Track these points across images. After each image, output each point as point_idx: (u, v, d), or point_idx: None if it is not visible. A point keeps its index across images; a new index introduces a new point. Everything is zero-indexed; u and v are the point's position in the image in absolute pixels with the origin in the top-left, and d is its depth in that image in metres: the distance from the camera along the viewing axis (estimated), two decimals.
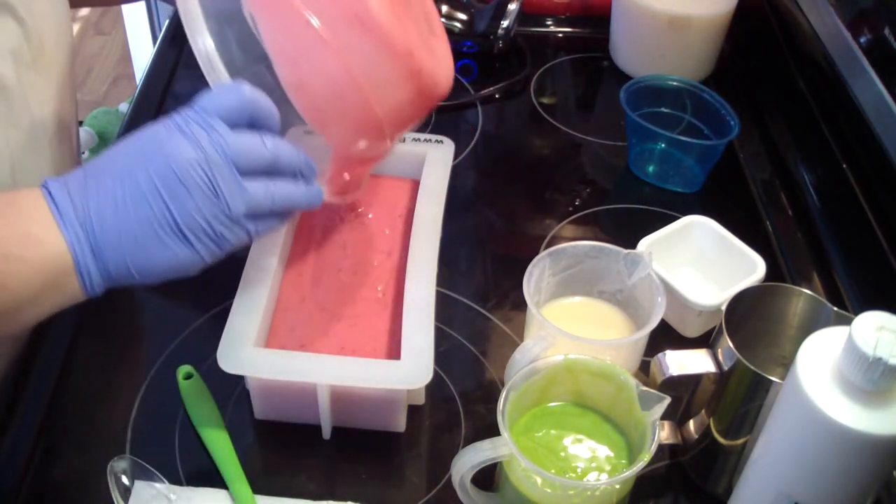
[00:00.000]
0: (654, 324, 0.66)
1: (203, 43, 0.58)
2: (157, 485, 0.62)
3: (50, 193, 0.53)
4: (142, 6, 2.23)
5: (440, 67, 0.63)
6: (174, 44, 1.10)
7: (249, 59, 0.59)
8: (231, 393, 0.70)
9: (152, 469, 0.63)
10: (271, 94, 0.56)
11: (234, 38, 0.59)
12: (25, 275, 0.51)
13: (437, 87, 0.62)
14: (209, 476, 0.64)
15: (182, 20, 0.57)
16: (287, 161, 0.56)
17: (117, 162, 0.54)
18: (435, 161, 0.79)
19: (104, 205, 0.52)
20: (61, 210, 0.52)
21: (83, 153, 2.30)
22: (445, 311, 0.76)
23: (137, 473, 0.62)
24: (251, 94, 0.55)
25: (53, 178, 0.54)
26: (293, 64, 0.57)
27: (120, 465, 0.62)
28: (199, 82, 0.98)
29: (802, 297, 0.62)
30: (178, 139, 0.52)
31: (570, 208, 0.89)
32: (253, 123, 0.55)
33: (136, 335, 0.76)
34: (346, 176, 0.65)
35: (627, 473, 0.56)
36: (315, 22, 0.55)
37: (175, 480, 0.64)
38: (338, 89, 0.57)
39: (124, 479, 0.62)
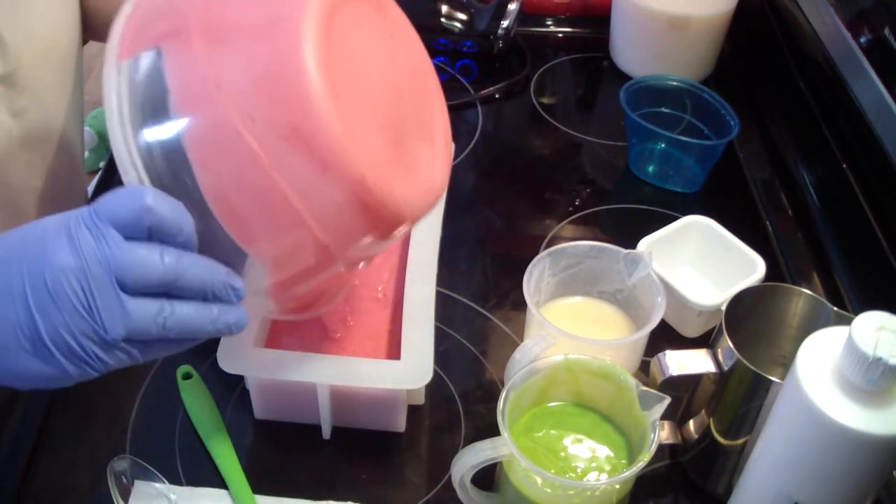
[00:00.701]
0: (654, 324, 0.66)
1: (120, 138, 0.49)
2: (157, 485, 0.62)
3: None
4: None
5: (408, 188, 0.53)
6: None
7: (171, 160, 0.49)
8: (231, 393, 0.70)
9: (152, 469, 0.63)
10: (192, 201, 0.48)
11: (158, 141, 0.49)
12: None
13: (396, 211, 0.52)
14: (209, 476, 0.64)
15: (105, 110, 0.49)
16: (192, 281, 0.48)
17: (1, 249, 0.47)
18: None
19: None
20: None
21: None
22: (445, 311, 0.76)
23: (137, 473, 0.62)
24: (153, 202, 0.46)
25: None
26: (215, 174, 0.48)
27: (120, 465, 0.62)
28: None
29: (802, 297, 0.62)
30: (61, 242, 0.45)
31: (570, 208, 0.89)
32: (157, 236, 0.47)
33: None
34: (295, 294, 0.57)
35: (627, 473, 0.56)
36: (245, 130, 0.47)
37: (175, 480, 0.64)
38: (269, 208, 0.49)
39: (124, 480, 0.62)
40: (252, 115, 0.47)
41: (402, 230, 0.55)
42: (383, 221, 0.52)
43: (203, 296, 0.48)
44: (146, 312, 0.46)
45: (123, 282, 0.46)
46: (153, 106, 0.49)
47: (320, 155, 0.47)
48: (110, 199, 0.47)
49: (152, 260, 0.46)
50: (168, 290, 0.47)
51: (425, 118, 0.58)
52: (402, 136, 0.54)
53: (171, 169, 0.49)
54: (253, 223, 0.50)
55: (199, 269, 0.48)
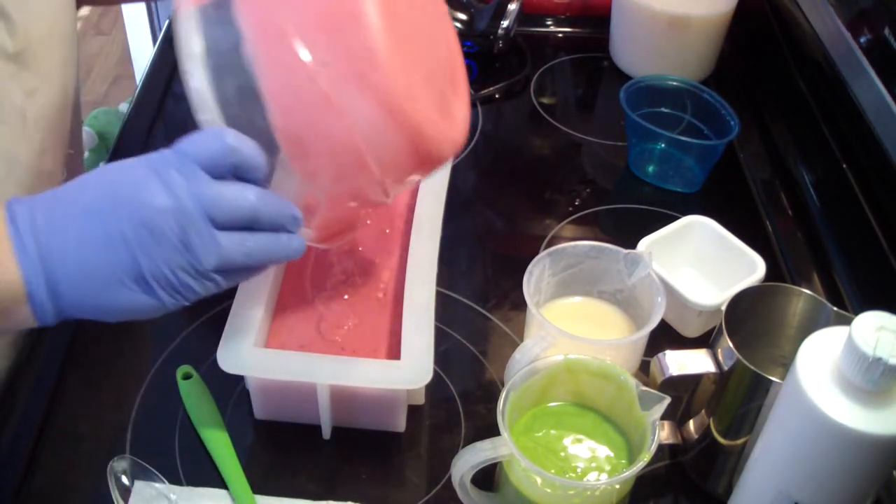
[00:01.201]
0: (654, 324, 0.66)
1: (198, 79, 0.53)
2: (157, 485, 0.62)
3: (13, 218, 0.50)
4: (142, 6, 2.23)
5: (449, 134, 0.59)
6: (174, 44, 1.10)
7: (245, 101, 0.53)
8: (231, 393, 0.70)
9: (152, 469, 0.63)
10: (262, 139, 0.53)
11: (233, 83, 0.53)
12: None
13: (442, 154, 0.58)
14: (209, 476, 0.64)
15: (178, 56, 0.53)
16: (269, 215, 0.52)
17: (89, 196, 0.50)
18: None
19: (69, 240, 0.49)
20: (23, 239, 0.49)
21: (84, 153, 2.30)
22: (445, 311, 0.76)
23: (137, 473, 0.62)
24: (236, 142, 0.51)
25: (21, 201, 0.50)
26: (288, 115, 0.53)
27: (120, 465, 0.62)
28: None
29: (802, 297, 0.62)
30: (154, 185, 0.49)
31: (570, 208, 0.89)
32: (237, 173, 0.51)
33: (136, 335, 0.76)
34: (332, 224, 0.62)
35: (627, 473, 0.56)
36: (317, 76, 0.51)
37: (175, 480, 0.64)
38: (335, 148, 0.54)
39: (124, 479, 0.62)
40: (325, 60, 0.51)
41: (442, 164, 0.61)
42: (431, 163, 0.59)
43: (275, 227, 0.53)
44: (234, 245, 0.51)
45: (214, 218, 0.50)
46: (227, 50, 0.53)
47: (386, 105, 0.53)
48: (195, 140, 0.51)
49: (239, 197, 0.51)
50: (250, 224, 0.52)
51: (454, 63, 0.64)
52: (441, 83, 0.60)
53: (245, 110, 0.53)
54: (318, 161, 0.55)
55: (274, 203, 0.52)
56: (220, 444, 0.65)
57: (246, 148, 0.51)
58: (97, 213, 0.49)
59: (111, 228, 0.49)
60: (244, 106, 0.53)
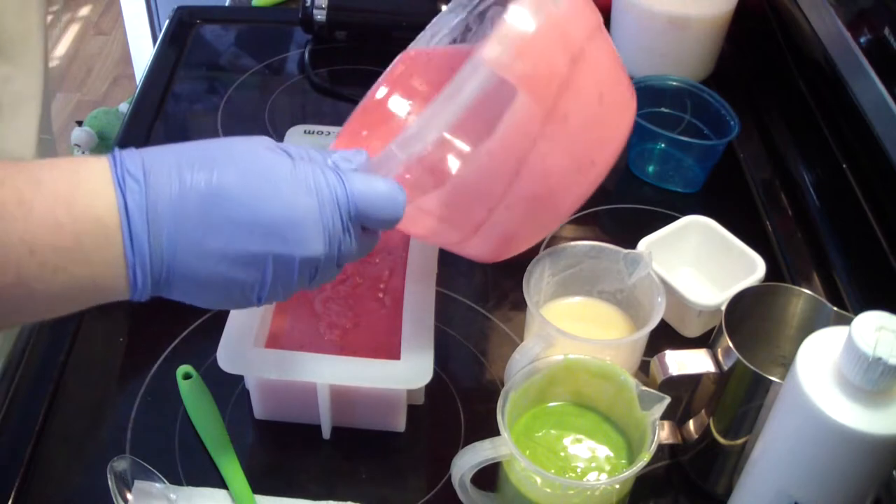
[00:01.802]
0: (654, 324, 0.66)
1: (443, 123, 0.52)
2: (157, 485, 0.62)
3: (126, 210, 0.45)
4: (142, 6, 2.23)
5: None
6: (174, 44, 1.10)
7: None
8: (231, 393, 0.70)
9: (152, 469, 0.63)
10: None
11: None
12: (62, 287, 0.45)
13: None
14: (209, 476, 0.64)
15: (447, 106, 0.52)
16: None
17: (237, 219, 0.47)
18: None
19: (197, 255, 0.47)
20: (135, 239, 0.45)
21: (83, 153, 2.30)
22: (445, 311, 0.76)
23: (137, 473, 0.62)
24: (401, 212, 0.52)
25: (136, 180, 0.46)
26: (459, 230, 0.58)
27: (120, 464, 0.62)
28: (199, 83, 0.98)
29: (802, 297, 0.62)
30: (318, 234, 0.48)
31: None
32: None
33: (136, 335, 0.76)
34: None
35: (627, 473, 0.56)
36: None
37: (175, 480, 0.64)
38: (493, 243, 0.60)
39: (124, 479, 0.61)
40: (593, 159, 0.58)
41: None
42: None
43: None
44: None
45: (342, 258, 0.51)
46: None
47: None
48: (374, 191, 0.50)
49: (366, 248, 0.54)
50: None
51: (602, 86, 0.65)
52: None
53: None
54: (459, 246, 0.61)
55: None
56: (219, 445, 0.65)
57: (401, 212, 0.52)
58: (242, 241, 0.47)
59: (253, 257, 0.48)
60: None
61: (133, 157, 0.46)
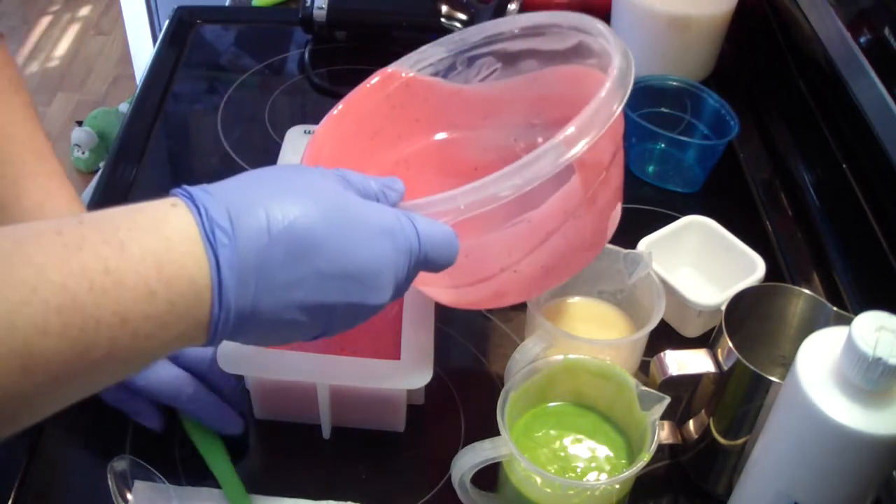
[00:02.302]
0: (654, 324, 0.66)
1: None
2: (157, 485, 0.62)
3: (219, 269, 0.43)
4: (142, 6, 2.23)
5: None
6: (174, 44, 1.10)
7: None
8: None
9: (152, 469, 0.63)
10: None
11: None
12: (151, 351, 0.43)
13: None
14: (209, 476, 0.64)
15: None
16: None
17: (323, 270, 0.46)
18: None
19: (280, 306, 0.45)
20: (223, 295, 0.43)
21: (83, 153, 2.30)
22: (445, 311, 0.76)
23: (137, 473, 0.62)
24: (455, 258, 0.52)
25: (226, 233, 0.43)
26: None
27: (120, 464, 0.62)
28: (199, 83, 0.98)
29: (802, 297, 0.62)
30: (391, 280, 0.48)
31: None
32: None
33: None
34: None
35: (627, 473, 0.56)
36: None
37: (175, 480, 0.64)
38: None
39: (124, 480, 0.61)
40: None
41: None
42: None
43: None
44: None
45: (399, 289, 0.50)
46: None
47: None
48: (436, 247, 0.50)
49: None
50: None
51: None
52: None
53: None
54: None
55: None
56: (211, 447, 0.65)
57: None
58: (323, 290, 0.46)
59: (333, 303, 0.47)
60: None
61: (217, 206, 0.44)
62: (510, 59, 0.71)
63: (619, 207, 0.65)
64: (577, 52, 0.66)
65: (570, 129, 0.53)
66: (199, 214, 0.43)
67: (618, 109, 0.55)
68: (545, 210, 0.57)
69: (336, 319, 0.48)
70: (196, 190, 0.45)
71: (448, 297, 0.65)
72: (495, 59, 0.71)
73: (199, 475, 0.64)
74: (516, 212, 0.57)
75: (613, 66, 0.57)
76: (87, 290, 0.39)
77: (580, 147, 0.53)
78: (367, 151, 0.69)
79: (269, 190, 0.46)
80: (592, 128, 0.54)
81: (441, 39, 0.71)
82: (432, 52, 0.71)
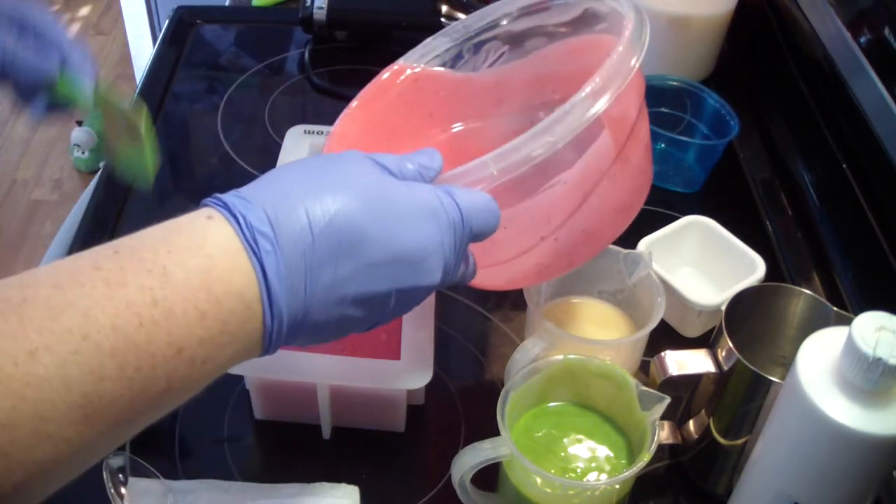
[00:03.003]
0: (654, 324, 0.66)
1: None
2: (152, 480, 0.62)
3: (265, 276, 0.42)
4: (142, 6, 2.23)
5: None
6: (174, 44, 1.10)
7: None
8: (231, 393, 0.70)
9: (147, 465, 0.62)
10: None
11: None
12: (208, 375, 0.42)
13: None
14: (207, 472, 0.64)
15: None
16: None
17: (371, 258, 0.45)
18: None
19: (331, 302, 0.44)
20: (273, 304, 0.42)
21: (83, 153, 2.30)
22: (445, 311, 0.76)
23: (133, 470, 0.62)
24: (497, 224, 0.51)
25: (268, 240, 0.42)
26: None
27: (116, 461, 0.62)
28: (199, 83, 0.98)
29: (802, 297, 0.62)
30: (439, 260, 0.47)
31: None
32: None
33: None
34: None
35: (627, 473, 0.56)
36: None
37: (173, 477, 0.63)
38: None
39: (120, 476, 0.61)
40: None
41: None
42: None
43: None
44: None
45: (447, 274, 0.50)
46: None
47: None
48: (478, 216, 0.50)
49: (467, 268, 0.53)
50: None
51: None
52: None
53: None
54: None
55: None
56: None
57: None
58: (372, 279, 0.45)
59: (379, 296, 0.46)
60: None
61: (255, 212, 0.42)
62: (517, 40, 0.69)
63: (650, 168, 0.64)
64: (585, 21, 0.65)
65: (595, 82, 0.52)
66: (238, 224, 0.42)
67: (637, 62, 0.55)
68: (579, 169, 0.56)
69: (390, 307, 0.47)
70: (230, 197, 0.43)
71: (491, 278, 0.62)
72: (501, 42, 0.70)
73: (199, 475, 0.64)
74: (550, 174, 0.55)
75: (629, 20, 0.56)
76: (136, 326, 0.38)
77: (607, 99, 0.52)
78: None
79: (305, 186, 0.44)
80: (616, 79, 0.53)
81: (444, 30, 0.70)
82: (437, 44, 0.70)
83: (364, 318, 0.47)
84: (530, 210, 0.57)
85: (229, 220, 0.42)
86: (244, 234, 0.42)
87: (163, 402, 0.40)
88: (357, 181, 0.45)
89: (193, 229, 0.42)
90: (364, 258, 0.44)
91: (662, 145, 0.91)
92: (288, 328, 0.43)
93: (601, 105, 0.52)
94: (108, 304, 0.38)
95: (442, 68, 0.70)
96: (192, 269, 0.40)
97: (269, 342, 0.43)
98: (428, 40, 0.70)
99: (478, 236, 0.50)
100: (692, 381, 0.64)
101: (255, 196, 0.43)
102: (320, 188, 0.44)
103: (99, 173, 0.96)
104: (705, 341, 0.63)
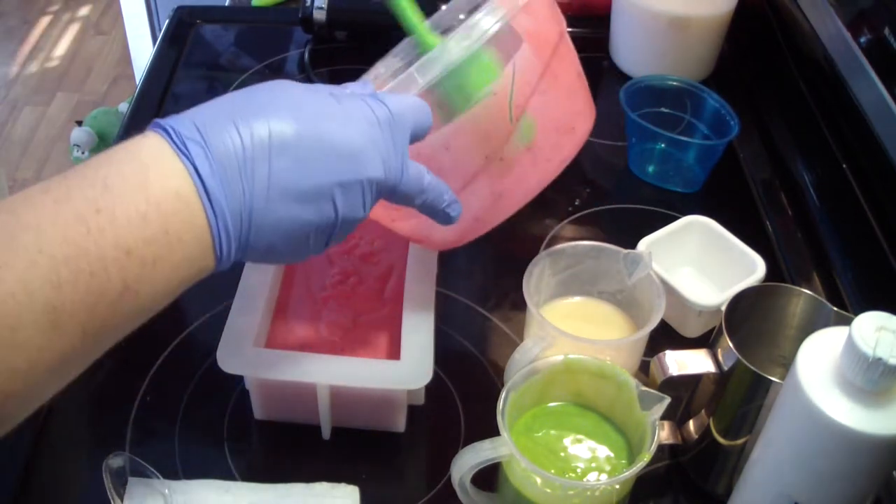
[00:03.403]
0: (654, 324, 0.66)
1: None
2: (152, 480, 0.62)
3: (198, 172, 0.45)
4: (142, 6, 2.23)
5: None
6: (174, 44, 1.10)
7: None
8: (231, 393, 0.70)
9: (147, 465, 0.62)
10: None
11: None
12: (163, 278, 0.45)
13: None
14: (206, 472, 0.64)
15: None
16: (435, 189, 0.56)
17: (301, 150, 0.48)
18: None
19: (273, 197, 0.47)
20: (213, 200, 0.45)
21: (83, 153, 2.30)
22: (445, 311, 0.76)
23: (133, 470, 0.62)
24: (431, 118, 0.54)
25: (196, 143, 0.46)
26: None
27: (116, 461, 0.62)
28: (199, 83, 0.98)
29: (802, 297, 0.62)
30: (376, 154, 0.50)
31: (570, 208, 0.89)
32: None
33: (136, 335, 0.75)
34: None
35: (627, 473, 0.56)
36: None
37: (173, 477, 0.63)
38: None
39: (120, 476, 0.61)
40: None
41: None
42: None
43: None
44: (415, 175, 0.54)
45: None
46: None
47: None
48: (411, 114, 0.53)
49: (423, 174, 0.54)
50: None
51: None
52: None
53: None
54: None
55: (441, 185, 0.56)
56: None
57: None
58: (310, 174, 0.48)
59: (324, 190, 0.48)
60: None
61: (184, 123, 0.46)
62: None
63: (589, 98, 0.67)
64: None
65: None
66: (169, 134, 0.46)
67: None
68: (506, 80, 0.58)
69: (338, 205, 0.49)
70: (162, 119, 0.47)
71: (452, 229, 0.64)
72: None
73: (199, 475, 0.64)
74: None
75: None
76: (84, 234, 0.41)
77: (516, 6, 0.55)
78: None
79: (233, 103, 0.48)
80: None
81: (394, 50, 0.72)
82: (389, 64, 0.72)
83: (315, 221, 0.49)
84: (467, 126, 0.59)
85: (160, 133, 0.46)
86: (174, 141, 0.45)
87: (127, 307, 0.44)
88: (288, 90, 0.50)
89: (129, 145, 0.46)
90: (295, 153, 0.47)
91: (662, 145, 0.91)
92: (234, 229, 0.46)
93: (511, 10, 0.55)
94: (58, 219, 0.41)
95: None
96: (128, 176, 0.44)
97: (220, 244, 0.46)
98: (377, 64, 0.72)
99: (416, 134, 0.53)
100: (692, 381, 0.64)
101: (186, 115, 0.47)
102: (247, 101, 0.48)
103: None
104: (705, 341, 0.63)
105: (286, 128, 0.47)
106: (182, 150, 0.45)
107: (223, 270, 0.49)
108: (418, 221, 0.61)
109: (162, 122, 0.47)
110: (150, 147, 0.45)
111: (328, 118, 0.49)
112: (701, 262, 0.79)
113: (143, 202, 0.43)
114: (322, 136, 0.48)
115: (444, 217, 0.57)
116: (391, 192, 0.53)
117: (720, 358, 0.60)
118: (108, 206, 0.42)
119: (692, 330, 0.75)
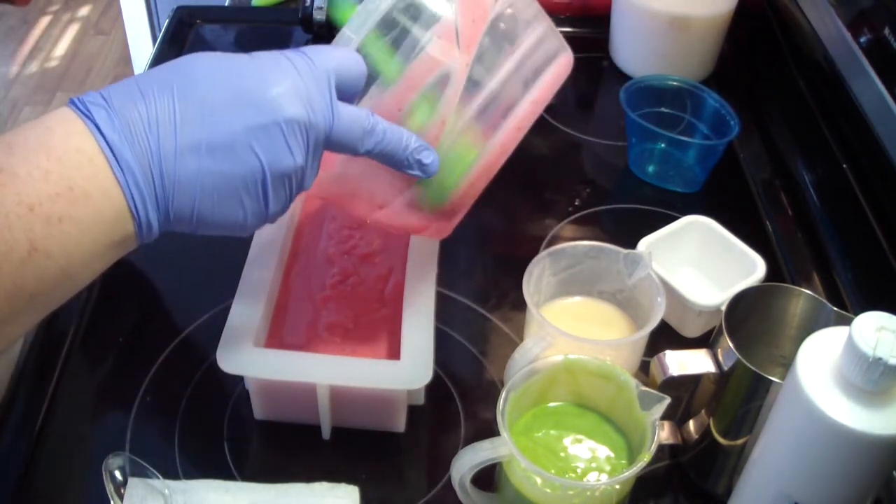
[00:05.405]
0: (654, 324, 0.66)
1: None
2: (151, 480, 0.62)
3: (99, 129, 0.45)
4: (141, 6, 2.23)
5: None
6: (174, 44, 1.10)
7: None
8: (231, 393, 0.70)
9: (147, 465, 0.62)
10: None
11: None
12: (74, 238, 0.44)
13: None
14: (208, 476, 0.64)
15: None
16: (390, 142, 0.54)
17: (208, 100, 0.47)
18: None
19: (183, 149, 0.46)
20: (116, 153, 0.45)
21: None
22: (445, 311, 0.76)
23: (132, 470, 0.62)
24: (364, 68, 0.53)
25: (100, 106, 0.46)
26: None
27: (115, 461, 0.62)
28: None
29: (802, 297, 0.62)
30: (292, 95, 0.49)
31: (570, 208, 0.89)
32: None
33: (136, 335, 0.76)
34: None
35: (627, 473, 0.56)
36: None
37: (173, 477, 0.63)
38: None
39: (119, 476, 0.61)
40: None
41: None
42: None
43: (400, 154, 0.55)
44: (352, 115, 0.52)
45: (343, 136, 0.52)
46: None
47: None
48: (338, 63, 0.52)
49: (363, 116, 0.52)
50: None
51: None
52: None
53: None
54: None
55: (397, 130, 0.54)
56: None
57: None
58: (221, 120, 0.47)
59: (239, 137, 0.47)
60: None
61: (90, 94, 0.47)
62: None
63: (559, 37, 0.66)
64: None
65: None
66: (74, 103, 0.47)
67: None
68: (449, 22, 0.56)
69: (256, 155, 0.48)
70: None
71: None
72: None
73: (199, 475, 0.64)
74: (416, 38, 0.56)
75: None
76: None
77: None
78: None
79: (144, 73, 0.49)
80: None
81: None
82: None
83: (239, 172, 0.48)
84: (413, 77, 0.56)
85: (67, 104, 0.47)
86: (77, 107, 0.46)
87: (40, 269, 0.43)
88: (195, 58, 0.49)
89: (38, 117, 0.47)
90: (201, 104, 0.47)
91: (662, 145, 0.91)
92: (147, 185, 0.46)
93: None
94: None
95: None
96: (32, 138, 0.45)
97: (134, 203, 0.46)
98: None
99: (347, 81, 0.52)
100: (692, 381, 0.64)
101: (97, 90, 0.48)
102: (156, 70, 0.49)
103: None
104: (705, 341, 0.63)
105: (191, 83, 0.47)
106: (85, 112, 0.46)
107: (153, 240, 0.48)
108: (401, 201, 0.60)
109: (73, 98, 0.48)
110: (57, 115, 0.46)
111: (237, 69, 0.49)
112: (701, 262, 0.79)
113: (45, 160, 0.44)
114: (230, 86, 0.48)
115: (418, 166, 0.55)
116: (328, 138, 0.51)
117: (720, 358, 0.60)
118: (10, 165, 0.43)
119: (692, 330, 0.75)
